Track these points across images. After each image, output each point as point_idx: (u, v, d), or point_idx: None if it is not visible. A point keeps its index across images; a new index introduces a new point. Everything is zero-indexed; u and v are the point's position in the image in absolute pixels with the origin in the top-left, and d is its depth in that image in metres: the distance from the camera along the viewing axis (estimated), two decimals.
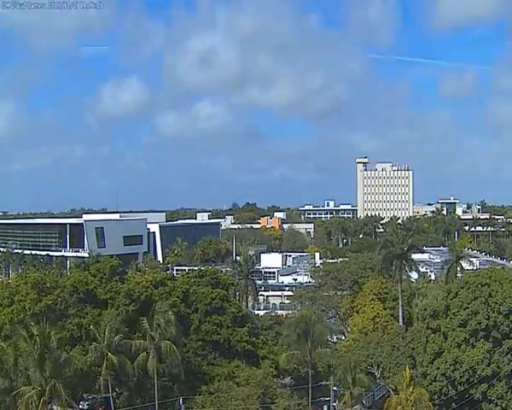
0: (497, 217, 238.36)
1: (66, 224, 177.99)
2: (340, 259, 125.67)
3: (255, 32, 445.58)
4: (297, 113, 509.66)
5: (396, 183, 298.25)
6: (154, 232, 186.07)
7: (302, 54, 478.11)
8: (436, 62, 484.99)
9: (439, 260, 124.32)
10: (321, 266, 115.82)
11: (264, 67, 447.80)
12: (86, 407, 60.89)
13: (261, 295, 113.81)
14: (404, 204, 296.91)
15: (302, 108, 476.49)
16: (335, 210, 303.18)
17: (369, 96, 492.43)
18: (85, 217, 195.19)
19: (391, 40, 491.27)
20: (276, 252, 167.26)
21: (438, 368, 51.35)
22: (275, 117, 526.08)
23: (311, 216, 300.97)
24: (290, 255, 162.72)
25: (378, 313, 74.84)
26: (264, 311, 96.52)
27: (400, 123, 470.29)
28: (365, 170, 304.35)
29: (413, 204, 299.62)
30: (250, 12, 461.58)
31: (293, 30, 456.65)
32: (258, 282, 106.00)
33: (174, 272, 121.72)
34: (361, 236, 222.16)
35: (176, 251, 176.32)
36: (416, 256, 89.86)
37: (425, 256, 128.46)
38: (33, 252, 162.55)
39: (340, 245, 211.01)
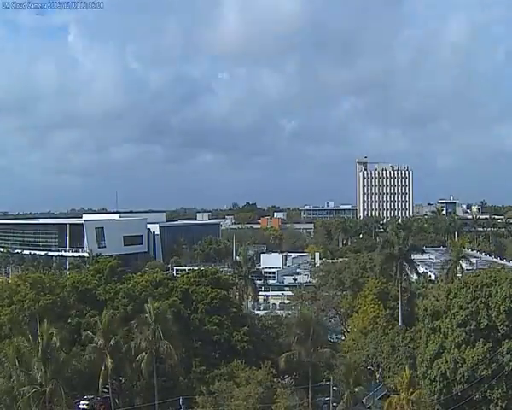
0: (497, 217, 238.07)
1: (66, 224, 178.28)
2: (340, 259, 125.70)
3: None
4: None
5: (396, 183, 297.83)
6: (154, 232, 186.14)
7: None
8: None
9: (439, 260, 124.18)
10: (321, 266, 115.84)
11: None
12: (86, 407, 60.83)
13: (261, 295, 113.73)
14: (404, 204, 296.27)
15: None
16: (335, 210, 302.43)
17: None
18: (85, 217, 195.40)
19: None
20: (276, 252, 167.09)
21: (438, 368, 51.25)
22: None
23: (311, 216, 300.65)
24: (290, 255, 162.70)
25: (378, 313, 74.80)
26: (264, 311, 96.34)
27: None
28: (365, 170, 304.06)
29: (413, 204, 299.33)
30: None
31: None
32: (258, 282, 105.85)
33: (174, 272, 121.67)
34: (361, 236, 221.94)
35: (176, 251, 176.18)
36: (416, 256, 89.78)
37: (425, 256, 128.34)
38: (33, 252, 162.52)
39: (340, 245, 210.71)
